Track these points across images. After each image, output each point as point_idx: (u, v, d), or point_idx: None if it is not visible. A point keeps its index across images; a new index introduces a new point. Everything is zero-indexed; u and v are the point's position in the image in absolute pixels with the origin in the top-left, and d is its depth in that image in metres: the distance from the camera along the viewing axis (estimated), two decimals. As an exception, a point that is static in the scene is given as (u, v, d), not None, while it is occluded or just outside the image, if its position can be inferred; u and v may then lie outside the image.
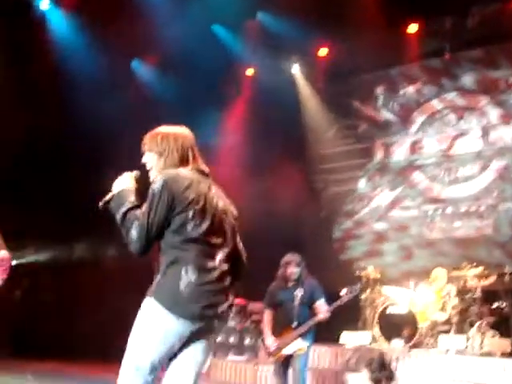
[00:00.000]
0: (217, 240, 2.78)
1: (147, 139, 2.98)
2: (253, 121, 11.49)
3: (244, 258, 3.08)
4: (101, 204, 2.90)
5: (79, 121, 10.45)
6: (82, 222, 10.36)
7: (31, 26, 10.79)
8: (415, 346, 7.40)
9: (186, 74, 10.74)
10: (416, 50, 10.48)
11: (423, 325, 7.55)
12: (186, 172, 2.81)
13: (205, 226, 2.72)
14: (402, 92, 10.93)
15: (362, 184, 11.10)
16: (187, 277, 2.65)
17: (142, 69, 12.37)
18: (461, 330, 7.52)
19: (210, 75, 10.79)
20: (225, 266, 2.80)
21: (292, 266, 6.06)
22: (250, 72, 12.20)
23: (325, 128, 11.62)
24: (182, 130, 3.01)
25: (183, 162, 2.86)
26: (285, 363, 6.05)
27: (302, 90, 11.77)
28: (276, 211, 10.21)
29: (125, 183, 2.88)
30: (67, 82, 10.49)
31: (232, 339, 9.09)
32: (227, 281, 2.81)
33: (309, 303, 6.02)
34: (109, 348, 10.97)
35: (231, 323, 9.18)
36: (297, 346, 5.87)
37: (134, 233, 2.66)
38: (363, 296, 8.42)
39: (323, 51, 11.23)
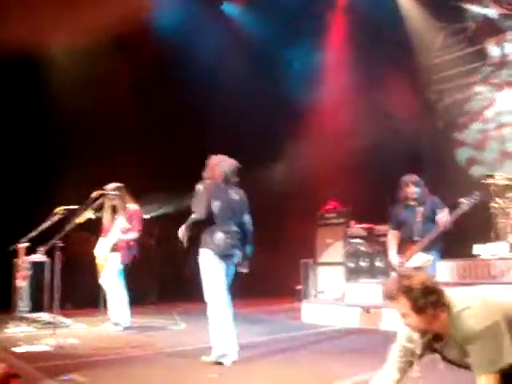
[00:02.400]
0: (230, 215, 5.01)
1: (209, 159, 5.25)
2: (354, 39, 11.20)
3: (249, 227, 5.23)
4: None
5: (180, 71, 10.71)
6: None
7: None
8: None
9: (277, 6, 10.60)
10: None
11: None
12: (213, 182, 5.05)
13: (221, 208, 4.94)
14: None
15: (480, 88, 10.46)
16: (218, 234, 4.93)
17: (232, 10, 12.39)
18: None
19: (302, 4, 10.57)
20: (235, 229, 5.05)
21: (411, 187, 6.08)
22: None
23: (431, 36, 11.02)
24: (223, 159, 5.21)
25: (216, 176, 5.08)
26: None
27: (401, 0, 11.19)
28: (391, 127, 9.97)
29: None
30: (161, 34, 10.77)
31: (363, 263, 9.16)
32: (236, 237, 5.07)
33: (431, 218, 6.00)
34: (243, 286, 11.55)
35: (361, 248, 9.26)
36: (420, 259, 5.86)
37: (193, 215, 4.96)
38: (493, 205, 8.07)
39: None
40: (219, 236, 4.91)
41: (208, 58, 10.62)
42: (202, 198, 4.91)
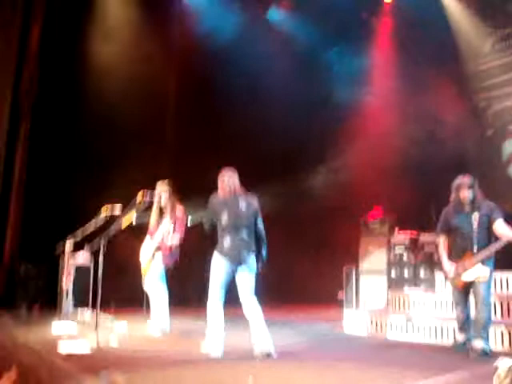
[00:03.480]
0: (240, 224, 5.46)
1: None
2: (400, 44, 11.11)
3: (261, 232, 5.62)
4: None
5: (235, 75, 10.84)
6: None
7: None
8: None
9: (323, 11, 10.59)
10: None
11: None
12: (219, 195, 5.62)
13: (229, 218, 5.44)
14: None
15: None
16: (227, 240, 5.44)
17: (277, 17, 12.48)
18: None
19: (348, 10, 10.52)
20: (244, 235, 5.47)
21: (464, 189, 5.73)
22: (388, -1, 11.75)
23: (480, 42, 10.76)
24: (226, 172, 5.67)
25: (221, 190, 5.61)
26: (464, 291, 5.83)
27: (448, 5, 10.98)
28: (437, 133, 9.80)
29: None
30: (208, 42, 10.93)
31: (406, 273, 9.00)
32: (247, 242, 5.47)
33: (486, 226, 5.69)
34: (285, 293, 11.52)
35: (405, 257, 9.10)
36: (478, 272, 5.59)
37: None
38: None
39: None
40: (227, 242, 5.43)
41: (252, 63, 10.69)
42: (207, 213, 5.65)
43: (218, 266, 5.46)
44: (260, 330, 5.35)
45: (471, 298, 5.84)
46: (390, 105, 10.86)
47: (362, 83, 11.36)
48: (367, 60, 11.54)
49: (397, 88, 10.76)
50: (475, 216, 5.69)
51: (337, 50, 11.17)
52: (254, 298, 5.50)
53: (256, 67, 10.72)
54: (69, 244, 7.69)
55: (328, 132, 11.19)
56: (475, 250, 5.66)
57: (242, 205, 5.56)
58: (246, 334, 5.47)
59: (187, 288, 10.79)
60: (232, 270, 5.46)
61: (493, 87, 10.56)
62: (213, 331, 5.39)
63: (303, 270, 11.66)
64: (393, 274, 9.19)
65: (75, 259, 8.10)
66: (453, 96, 10.11)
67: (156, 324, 6.97)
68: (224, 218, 5.47)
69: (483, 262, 5.62)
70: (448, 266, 5.86)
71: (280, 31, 12.23)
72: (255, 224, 5.59)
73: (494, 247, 5.61)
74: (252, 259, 5.50)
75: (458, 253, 5.81)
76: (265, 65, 10.94)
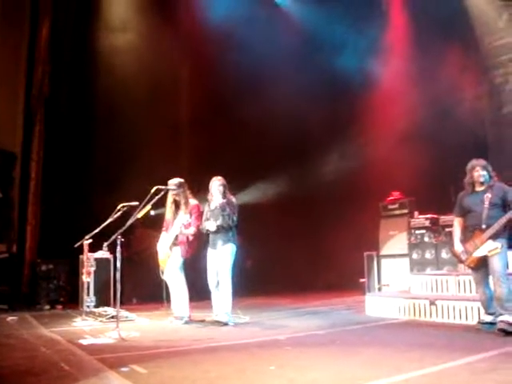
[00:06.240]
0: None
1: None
2: (414, 20, 10.97)
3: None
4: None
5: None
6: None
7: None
8: None
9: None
10: None
11: None
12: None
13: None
14: None
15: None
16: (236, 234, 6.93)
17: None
18: None
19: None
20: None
21: (478, 170, 5.85)
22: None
23: (494, 17, 10.51)
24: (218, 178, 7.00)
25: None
26: (482, 270, 5.82)
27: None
28: (454, 114, 9.62)
29: None
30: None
31: (428, 254, 8.88)
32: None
33: (499, 205, 5.73)
34: (303, 280, 11.44)
35: (425, 239, 8.97)
36: (488, 247, 5.64)
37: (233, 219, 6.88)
38: None
39: None
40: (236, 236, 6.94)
41: (262, 47, 10.61)
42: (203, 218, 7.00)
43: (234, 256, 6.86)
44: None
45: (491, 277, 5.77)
46: (405, 87, 10.70)
47: (374, 61, 11.21)
48: (379, 35, 11.40)
49: (411, 69, 10.60)
50: (487, 195, 5.74)
51: (347, 27, 10.97)
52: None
53: (266, 51, 10.63)
54: (87, 241, 7.70)
55: (344, 116, 11.07)
56: (485, 227, 5.68)
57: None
58: (269, 323, 5.40)
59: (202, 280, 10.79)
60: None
61: (510, 62, 10.31)
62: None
63: (324, 256, 11.60)
64: (414, 256, 9.09)
65: (95, 255, 8.14)
66: (468, 73, 9.92)
67: (178, 315, 6.97)
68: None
69: (494, 237, 5.63)
70: (458, 246, 5.93)
71: (288, 15, 12.15)
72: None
73: (502, 221, 5.60)
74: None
75: (469, 232, 5.88)
76: (275, 49, 10.85)
